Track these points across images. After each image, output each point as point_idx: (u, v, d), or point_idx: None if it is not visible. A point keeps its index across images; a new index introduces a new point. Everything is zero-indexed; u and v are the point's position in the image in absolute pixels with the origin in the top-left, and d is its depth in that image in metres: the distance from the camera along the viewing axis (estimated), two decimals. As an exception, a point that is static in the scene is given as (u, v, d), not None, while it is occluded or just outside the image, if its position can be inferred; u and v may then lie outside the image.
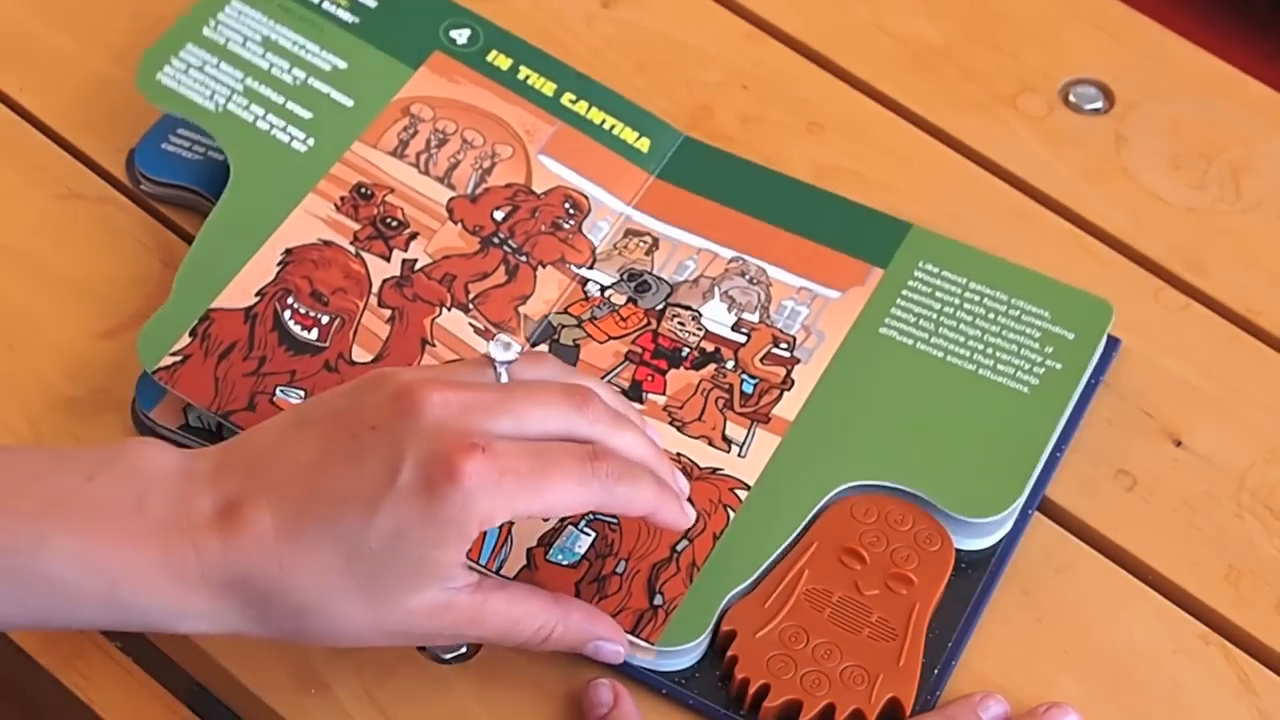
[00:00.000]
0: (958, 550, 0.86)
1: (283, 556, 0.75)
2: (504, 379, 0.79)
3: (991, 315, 0.92)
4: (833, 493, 0.87)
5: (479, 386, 0.78)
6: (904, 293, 0.93)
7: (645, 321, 0.92)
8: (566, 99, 0.99)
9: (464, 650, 0.84)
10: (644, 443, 0.80)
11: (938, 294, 0.93)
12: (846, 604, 0.84)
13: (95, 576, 0.74)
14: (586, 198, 0.96)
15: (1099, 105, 1.04)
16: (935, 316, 0.92)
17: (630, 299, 0.93)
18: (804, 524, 0.86)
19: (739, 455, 0.88)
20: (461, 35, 1.00)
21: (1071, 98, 1.04)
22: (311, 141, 0.95)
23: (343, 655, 0.83)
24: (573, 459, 0.77)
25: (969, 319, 0.92)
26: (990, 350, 0.91)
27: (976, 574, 0.86)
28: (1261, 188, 1.02)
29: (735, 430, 0.89)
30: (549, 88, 0.99)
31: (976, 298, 0.93)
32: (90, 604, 0.75)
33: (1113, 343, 0.94)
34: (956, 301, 0.93)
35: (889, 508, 0.87)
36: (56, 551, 0.74)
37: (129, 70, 1.00)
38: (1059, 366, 0.91)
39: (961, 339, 0.91)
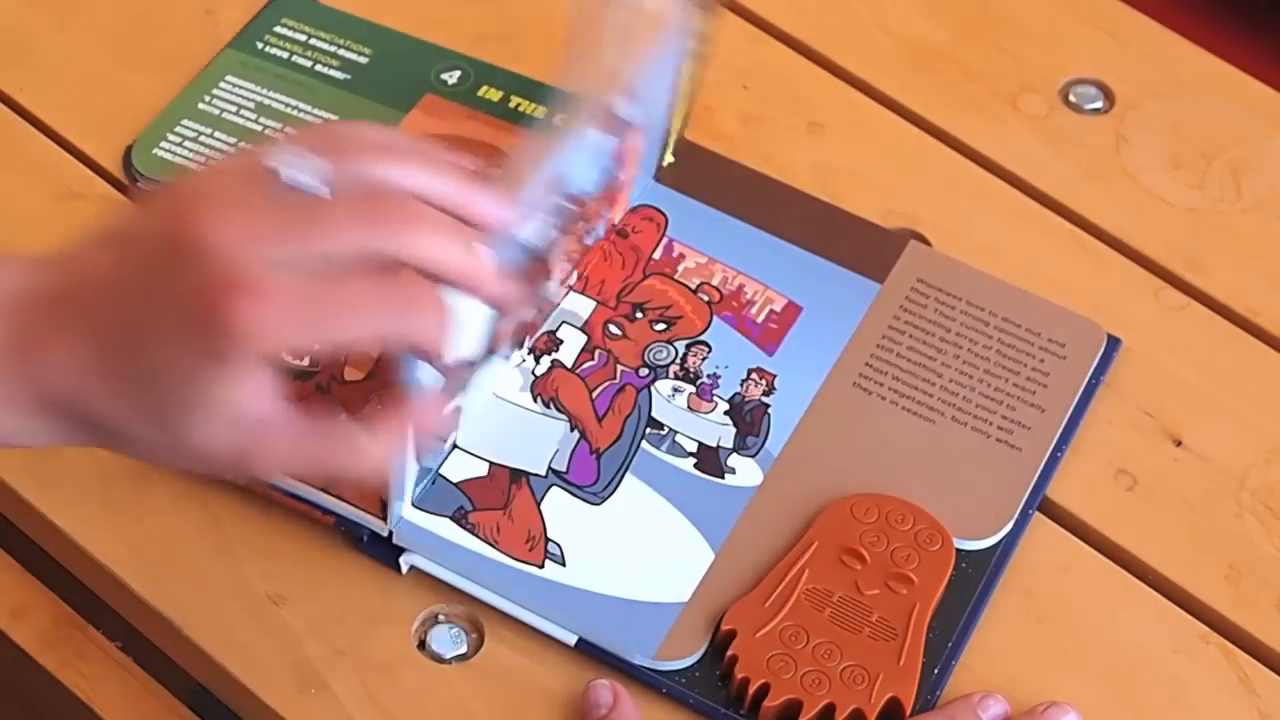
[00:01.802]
0: (958, 550, 0.86)
1: (92, 385, 0.74)
2: (317, 187, 0.74)
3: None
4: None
5: (262, 206, 0.73)
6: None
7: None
8: (558, 120, 0.99)
9: (464, 650, 0.84)
10: (471, 258, 0.75)
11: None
12: (847, 604, 0.84)
13: None
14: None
15: (1099, 105, 1.04)
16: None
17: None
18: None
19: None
20: (452, 76, 1.01)
21: (1071, 98, 1.04)
22: None
23: (343, 655, 0.83)
24: (360, 288, 0.73)
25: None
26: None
27: (976, 574, 0.86)
28: (1261, 188, 1.02)
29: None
30: (540, 112, 1.00)
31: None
32: None
33: (1113, 342, 0.94)
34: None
35: (889, 507, 0.87)
36: None
37: (129, 70, 1.00)
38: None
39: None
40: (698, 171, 0.98)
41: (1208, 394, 0.94)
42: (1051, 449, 0.90)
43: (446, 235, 0.75)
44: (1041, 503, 0.89)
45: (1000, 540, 0.87)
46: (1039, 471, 0.89)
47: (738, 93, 1.04)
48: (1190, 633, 0.86)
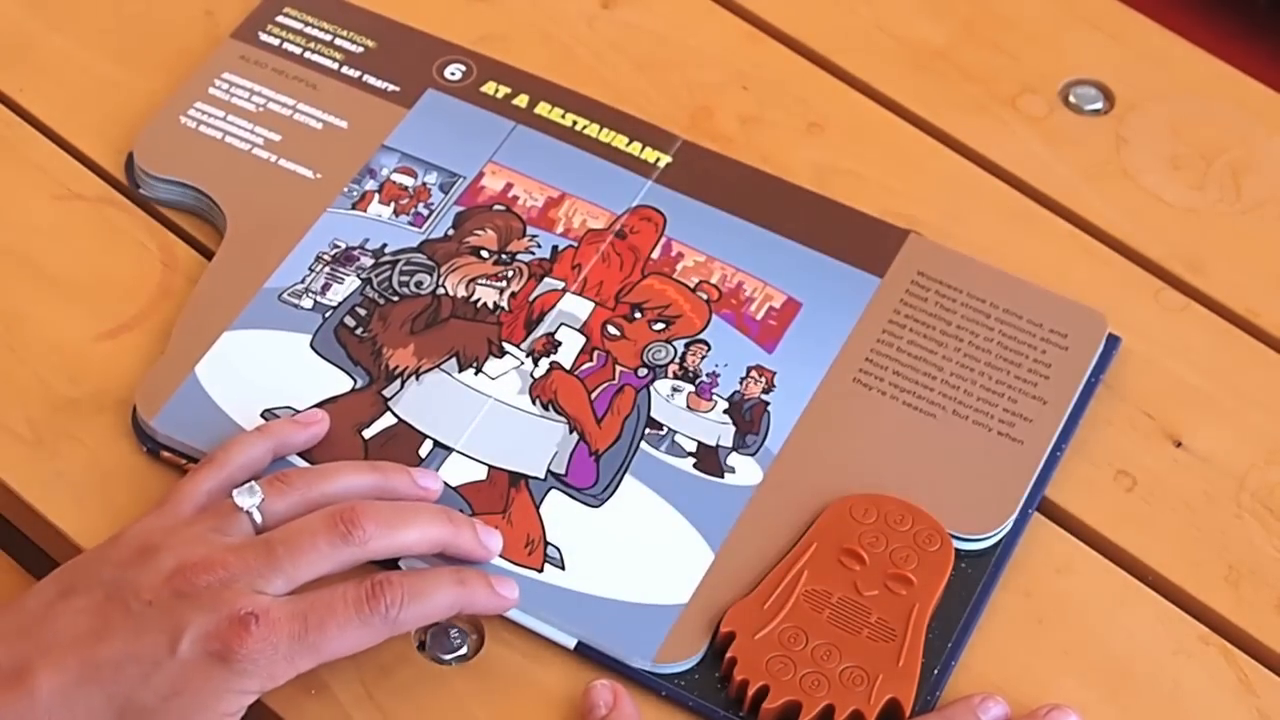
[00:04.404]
0: (958, 550, 0.86)
1: (52, 715, 0.76)
2: (259, 519, 0.81)
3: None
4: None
5: (243, 547, 0.79)
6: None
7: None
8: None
9: (464, 650, 0.84)
10: (427, 526, 0.82)
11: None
12: (846, 605, 0.84)
13: None
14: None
15: (1099, 105, 1.04)
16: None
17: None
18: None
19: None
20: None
21: (1071, 98, 1.04)
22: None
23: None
24: (349, 603, 0.79)
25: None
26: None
27: (976, 574, 0.86)
28: (1261, 188, 1.02)
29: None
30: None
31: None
32: None
33: (1113, 342, 0.94)
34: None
35: (889, 508, 0.87)
36: None
37: (129, 70, 1.00)
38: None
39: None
40: (696, 171, 0.98)
41: (1208, 394, 0.94)
42: (1052, 446, 0.90)
43: (409, 517, 0.82)
44: (1041, 503, 0.89)
45: (999, 541, 0.87)
46: (1040, 466, 0.89)
47: (738, 93, 1.04)
48: (1190, 633, 0.86)
